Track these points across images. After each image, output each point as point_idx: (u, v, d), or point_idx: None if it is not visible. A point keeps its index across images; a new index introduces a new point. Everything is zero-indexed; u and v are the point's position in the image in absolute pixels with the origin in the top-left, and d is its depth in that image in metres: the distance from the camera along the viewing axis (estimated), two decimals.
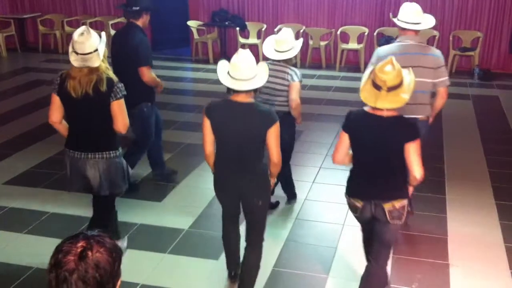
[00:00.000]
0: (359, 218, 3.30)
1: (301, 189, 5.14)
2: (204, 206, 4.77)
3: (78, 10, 11.62)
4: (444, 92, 4.16)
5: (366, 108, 3.11)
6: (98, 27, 11.28)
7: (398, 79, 2.96)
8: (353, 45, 9.96)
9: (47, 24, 11.63)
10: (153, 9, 5.02)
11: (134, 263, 3.85)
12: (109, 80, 3.41)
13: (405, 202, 3.13)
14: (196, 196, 4.99)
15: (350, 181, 3.28)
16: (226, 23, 10.25)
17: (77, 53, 3.32)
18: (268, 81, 3.54)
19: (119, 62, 4.69)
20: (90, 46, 3.31)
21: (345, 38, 10.06)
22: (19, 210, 4.70)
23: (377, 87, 2.96)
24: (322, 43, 10.01)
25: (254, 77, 3.16)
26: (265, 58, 4.24)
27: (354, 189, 3.24)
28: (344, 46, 9.92)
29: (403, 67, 3.09)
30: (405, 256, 4.01)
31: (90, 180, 3.55)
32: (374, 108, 3.02)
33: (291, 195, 4.92)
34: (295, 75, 4.30)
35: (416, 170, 3.02)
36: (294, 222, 4.51)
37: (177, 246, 4.14)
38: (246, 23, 10.44)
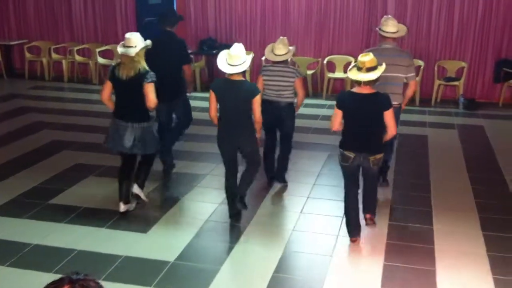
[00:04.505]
0: (348, 166, 4.54)
1: (289, 219, 5.11)
2: (191, 237, 4.71)
3: (65, 37, 11.61)
4: (413, 84, 5.41)
5: (353, 89, 4.46)
6: (85, 54, 11.29)
7: (373, 63, 4.34)
8: (339, 74, 10.05)
9: (34, 51, 11.59)
10: (182, 19, 6.48)
11: None
12: (143, 68, 4.77)
13: (382, 155, 4.56)
14: (182, 227, 4.93)
15: (344, 139, 4.55)
16: (214, 51, 10.29)
17: (123, 45, 4.76)
18: (276, 80, 5.37)
19: (166, 62, 5.44)
20: (132, 42, 4.74)
21: (331, 67, 10.16)
22: (1, 241, 4.59)
23: (359, 68, 4.35)
24: (309, 72, 10.09)
25: (243, 63, 4.53)
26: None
27: (348, 145, 4.50)
28: (331, 75, 10.00)
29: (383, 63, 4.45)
30: None
31: (124, 141, 4.82)
32: (358, 87, 4.39)
33: (281, 178, 5.83)
34: (297, 72, 5.46)
35: (392, 128, 4.46)
36: (282, 253, 4.46)
37: (163, 279, 4.06)
38: None
